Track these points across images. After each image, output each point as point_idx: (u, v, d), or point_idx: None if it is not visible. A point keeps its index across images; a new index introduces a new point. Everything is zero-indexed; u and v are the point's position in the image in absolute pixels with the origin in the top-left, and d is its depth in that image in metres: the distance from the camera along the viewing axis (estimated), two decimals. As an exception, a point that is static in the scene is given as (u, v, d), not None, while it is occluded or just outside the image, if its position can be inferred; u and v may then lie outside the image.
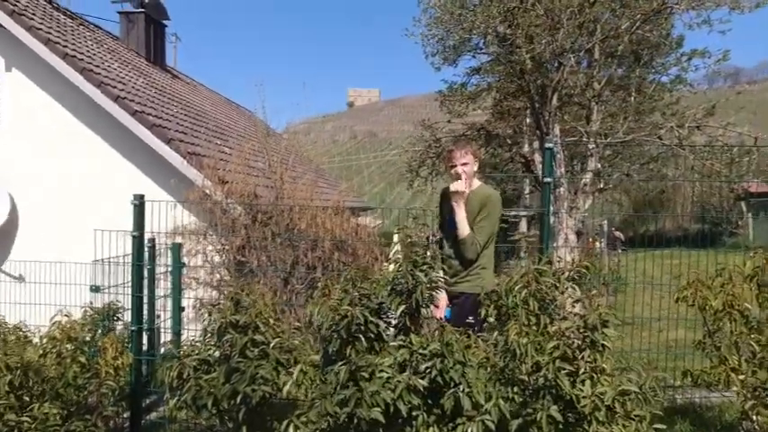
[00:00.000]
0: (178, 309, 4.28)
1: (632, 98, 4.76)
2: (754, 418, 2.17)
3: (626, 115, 4.76)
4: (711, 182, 5.38)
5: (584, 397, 1.95)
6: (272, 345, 2.61)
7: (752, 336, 2.23)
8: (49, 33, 7.09)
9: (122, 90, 7.19)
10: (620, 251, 11.67)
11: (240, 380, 2.43)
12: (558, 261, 3.79)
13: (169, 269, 4.28)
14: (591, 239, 12.87)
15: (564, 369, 2.05)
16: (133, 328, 3.37)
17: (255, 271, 6.24)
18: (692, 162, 5.00)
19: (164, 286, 5.06)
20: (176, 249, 4.28)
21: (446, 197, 3.05)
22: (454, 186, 2.90)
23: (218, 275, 6.49)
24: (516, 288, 2.25)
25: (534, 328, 2.27)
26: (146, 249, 4.38)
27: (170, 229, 5.98)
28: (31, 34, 6.88)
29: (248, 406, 2.52)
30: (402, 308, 2.25)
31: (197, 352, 2.55)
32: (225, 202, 6.37)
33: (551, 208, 4.33)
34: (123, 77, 7.90)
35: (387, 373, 2.13)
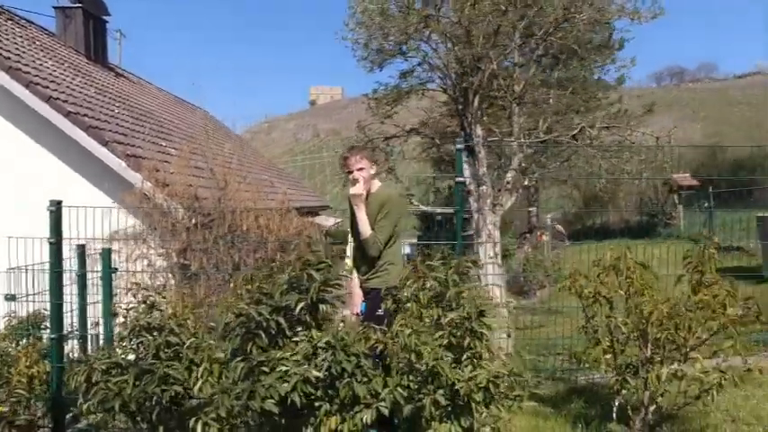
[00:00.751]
0: (109, 315, 4.24)
1: (550, 99, 5.06)
2: (622, 392, 2.42)
3: (545, 116, 5.05)
4: (616, 178, 5.78)
5: (458, 380, 2.13)
6: (186, 345, 2.68)
7: (619, 319, 2.49)
8: (-27, 31, 6.78)
9: (55, 90, 6.97)
10: (567, 243, 12.24)
11: (150, 381, 2.49)
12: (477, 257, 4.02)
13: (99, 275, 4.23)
14: (540, 233, 13.42)
15: (446, 357, 2.23)
16: (53, 336, 3.35)
17: (198, 273, 6.23)
18: (599, 161, 5.37)
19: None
20: (107, 255, 4.24)
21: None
22: (351, 190, 3.07)
23: (160, 279, 6.43)
24: (407, 283, 2.42)
25: (427, 320, 2.44)
26: (73, 256, 4.34)
27: (106, 234, 5.91)
28: (-48, 32, 6.56)
29: (161, 406, 2.59)
30: (301, 304, 2.37)
31: (107, 356, 2.59)
32: (164, 204, 6.31)
33: (474, 206, 4.55)
34: (57, 77, 7.65)
35: (286, 366, 2.25)
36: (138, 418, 2.60)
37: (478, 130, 4.56)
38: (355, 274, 3.17)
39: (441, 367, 2.16)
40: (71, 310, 4.27)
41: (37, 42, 8.80)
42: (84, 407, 2.61)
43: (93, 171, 6.80)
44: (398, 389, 2.31)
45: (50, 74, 7.57)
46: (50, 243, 3.36)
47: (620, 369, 2.41)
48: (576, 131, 4.67)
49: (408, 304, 2.41)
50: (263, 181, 11.85)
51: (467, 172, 4.62)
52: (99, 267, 4.54)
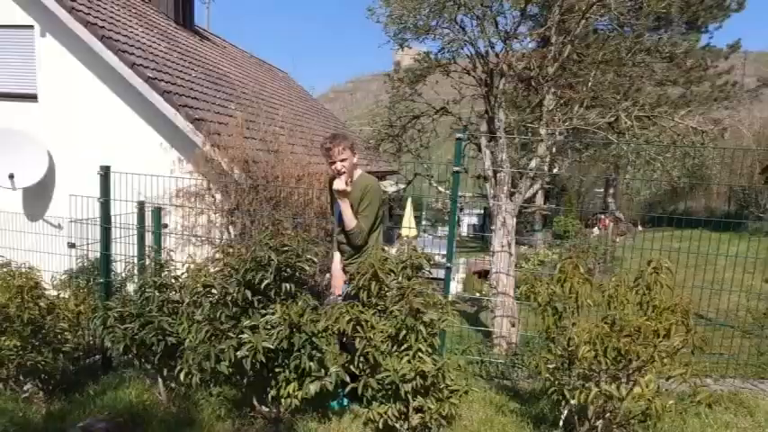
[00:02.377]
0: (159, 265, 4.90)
1: (590, 81, 4.53)
2: (554, 398, 2.39)
3: (582, 98, 4.58)
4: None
5: (388, 370, 2.27)
6: (185, 303, 3.09)
7: (563, 328, 2.40)
8: (74, 1, 7.66)
9: (140, 57, 7.74)
10: (639, 229, 11.32)
11: (149, 330, 2.95)
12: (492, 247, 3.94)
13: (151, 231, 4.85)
14: (604, 219, 12.51)
15: (382, 347, 2.37)
16: (101, 280, 4.00)
17: (245, 232, 6.83)
18: (629, 155, 4.76)
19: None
20: (157, 213, 4.83)
21: (332, 187, 3.32)
22: (335, 185, 3.16)
23: (217, 233, 7.16)
24: (361, 273, 2.56)
25: (378, 308, 2.58)
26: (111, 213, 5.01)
27: (173, 192, 6.67)
28: (59, 4, 7.47)
29: (161, 352, 3.05)
30: (266, 281, 2.63)
31: (121, 305, 3.09)
32: (220, 166, 6.91)
33: (490, 192, 4.45)
34: (144, 43, 8.44)
35: (245, 335, 2.55)
36: (143, 360, 3.10)
37: (501, 114, 4.34)
38: (338, 257, 3.33)
39: (372, 356, 2.31)
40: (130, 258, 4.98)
41: (131, 9, 9.71)
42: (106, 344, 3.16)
43: (168, 132, 7.59)
44: (341, 369, 2.52)
45: (138, 40, 8.38)
46: (100, 202, 3.94)
47: (557, 382, 2.36)
48: (608, 118, 4.18)
49: (361, 293, 2.56)
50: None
51: (487, 159, 4.49)
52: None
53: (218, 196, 6.79)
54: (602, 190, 12.85)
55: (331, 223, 3.51)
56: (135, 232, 4.87)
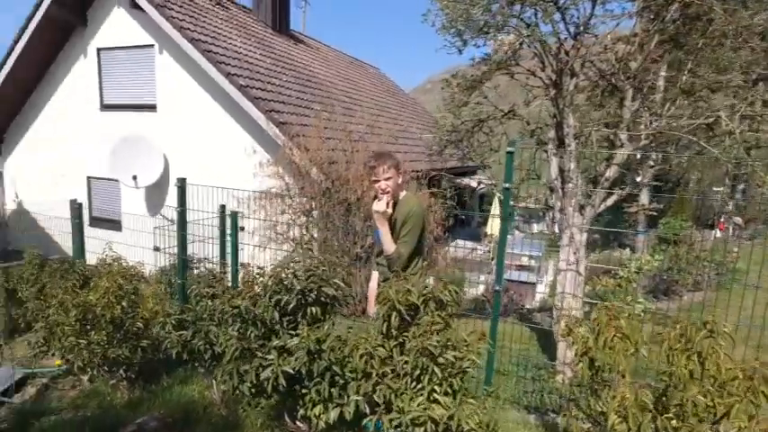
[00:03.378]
0: (235, 266, 5.28)
1: (684, 77, 3.69)
2: None
3: (674, 98, 3.76)
4: None
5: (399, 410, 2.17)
6: (228, 314, 3.27)
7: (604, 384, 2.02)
8: (183, 21, 8.51)
9: (235, 66, 8.38)
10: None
11: (198, 338, 3.19)
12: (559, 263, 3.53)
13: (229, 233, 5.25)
14: (724, 221, 10.62)
15: (395, 384, 2.26)
16: (179, 281, 4.44)
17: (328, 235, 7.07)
18: (729, 166, 3.76)
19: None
20: (234, 217, 5.19)
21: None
22: (375, 206, 3.02)
23: (296, 233, 7.52)
24: (381, 303, 2.46)
25: (399, 341, 2.48)
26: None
27: (255, 193, 7.14)
28: (171, 24, 8.36)
29: (211, 359, 3.29)
30: (292, 304, 2.67)
31: (179, 312, 3.39)
32: (300, 168, 7.21)
33: (557, 205, 4.02)
34: (240, 53, 9.10)
35: (270, 357, 2.62)
36: (196, 364, 3.36)
37: (571, 120, 3.81)
38: (375, 277, 3.26)
39: (384, 395, 2.22)
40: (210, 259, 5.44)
41: (233, 21, 10.52)
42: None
43: (258, 135, 8.14)
44: (359, 398, 2.47)
45: (235, 51, 9.06)
46: (177, 212, 4.35)
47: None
48: (706, 119, 3.37)
49: (380, 323, 2.47)
50: (414, 142, 12.19)
51: (554, 168, 4.01)
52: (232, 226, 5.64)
53: (296, 199, 7.11)
54: (722, 188, 10.95)
55: (373, 242, 3.44)
56: (218, 234, 5.31)
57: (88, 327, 3.67)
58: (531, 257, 9.49)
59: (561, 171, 3.84)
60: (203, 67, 8.21)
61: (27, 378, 4.57)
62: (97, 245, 4.90)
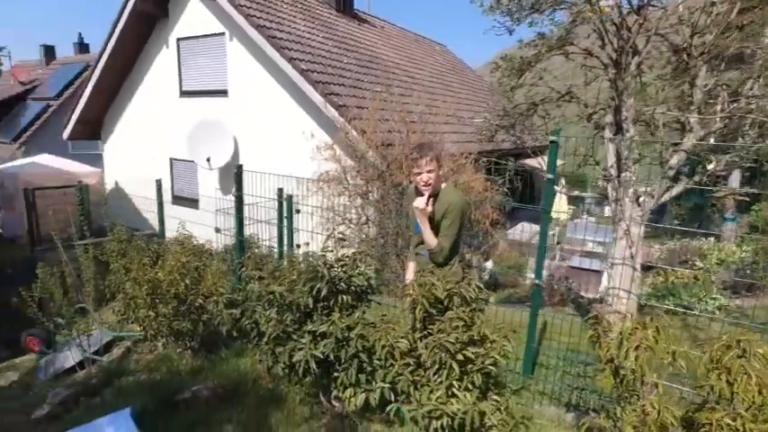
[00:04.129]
0: (291, 243, 5.57)
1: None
2: None
3: (758, 74, 3.17)
4: None
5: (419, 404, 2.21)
6: (276, 294, 3.48)
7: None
8: (250, 8, 8.84)
9: (297, 50, 8.60)
10: None
11: (246, 318, 3.43)
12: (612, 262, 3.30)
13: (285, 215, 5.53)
14: None
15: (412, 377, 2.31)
16: (237, 261, 4.76)
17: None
18: None
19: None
20: (289, 201, 5.45)
21: (411, 198, 3.18)
22: (416, 203, 3.02)
23: (353, 214, 7.70)
24: (407, 294, 2.49)
25: (423, 334, 2.51)
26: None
27: (315, 176, 7.38)
28: (238, 11, 8.72)
29: (251, 337, 3.53)
30: (324, 291, 2.78)
31: (229, 292, 3.66)
32: (355, 151, 7.32)
33: (612, 195, 3.75)
34: (303, 36, 9.31)
35: (302, 341, 2.78)
36: (245, 340, 3.63)
37: (630, 102, 3.44)
38: (411, 267, 3.28)
39: (403, 386, 2.28)
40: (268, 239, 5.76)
41: (298, 5, 10.73)
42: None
43: (318, 118, 8.35)
44: (385, 385, 2.55)
45: (298, 35, 9.28)
46: (235, 196, 4.64)
47: None
48: None
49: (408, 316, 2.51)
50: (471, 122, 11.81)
51: (610, 156, 3.67)
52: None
53: (351, 181, 7.25)
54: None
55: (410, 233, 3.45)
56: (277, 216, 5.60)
57: (157, 300, 4.09)
58: (599, 243, 8.96)
59: (618, 158, 3.56)
60: (268, 52, 8.51)
61: (114, 341, 5.22)
62: (177, 222, 5.38)
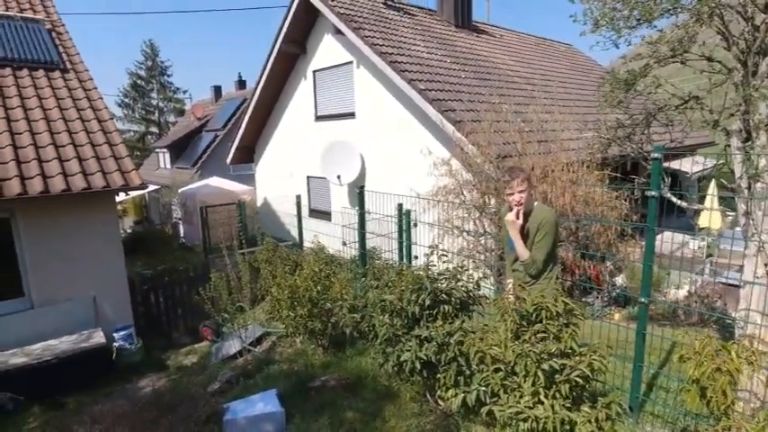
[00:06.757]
0: (409, 255, 6.03)
1: None
2: None
3: None
4: None
5: (506, 406, 2.43)
6: (387, 301, 3.96)
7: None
8: (374, 37, 9.68)
9: (416, 72, 9.16)
10: None
11: (365, 321, 3.96)
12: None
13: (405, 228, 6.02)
14: None
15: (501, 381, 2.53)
16: (359, 272, 5.38)
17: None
18: None
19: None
20: (407, 215, 5.94)
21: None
22: (508, 217, 3.26)
23: (470, 226, 7.90)
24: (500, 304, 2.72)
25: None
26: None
27: (432, 191, 7.78)
28: (364, 42, 9.62)
29: (369, 338, 4.04)
30: (428, 302, 3.13)
31: (353, 298, 4.22)
32: (469, 166, 7.53)
33: (741, 209, 3.45)
34: (422, 57, 9.84)
35: (409, 344, 3.17)
36: (365, 342, 4.15)
37: (762, 107, 3.01)
38: (510, 282, 3.43)
39: (492, 387, 2.52)
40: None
41: (418, 27, 11.34)
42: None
43: (437, 134, 8.77)
44: (481, 387, 2.81)
45: (418, 56, 9.84)
46: (359, 213, 5.27)
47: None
48: None
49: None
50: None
51: (737, 165, 3.28)
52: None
53: (468, 194, 7.47)
54: None
55: (499, 249, 3.64)
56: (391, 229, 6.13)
57: (295, 303, 4.88)
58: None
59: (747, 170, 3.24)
60: (389, 75, 9.22)
61: (263, 335, 6.25)
62: (313, 233, 6.25)
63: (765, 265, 3.30)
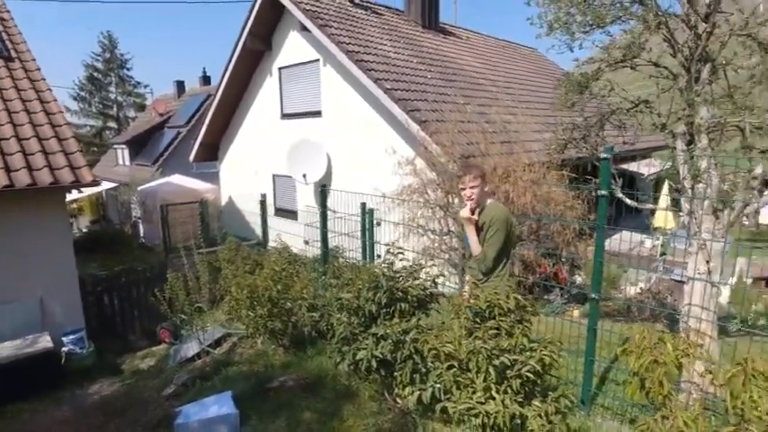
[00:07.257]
0: (372, 254, 6.02)
1: None
2: None
3: None
4: None
5: (456, 401, 2.45)
6: (344, 300, 3.92)
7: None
8: (340, 35, 9.62)
9: (382, 71, 9.16)
10: None
11: (323, 320, 3.92)
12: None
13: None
14: None
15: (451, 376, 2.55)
16: (321, 270, 5.33)
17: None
18: None
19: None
20: (370, 214, 5.92)
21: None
22: (461, 213, 3.29)
23: (435, 225, 7.96)
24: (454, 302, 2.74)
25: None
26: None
27: (396, 191, 7.79)
28: (330, 40, 9.54)
29: (328, 337, 4.00)
30: (384, 300, 3.13)
31: (312, 297, 4.17)
32: (431, 165, 7.59)
33: (686, 208, 3.61)
34: (389, 56, 9.85)
35: (366, 342, 3.16)
36: (325, 341, 4.11)
37: (703, 111, 3.20)
38: (468, 278, 3.47)
39: (446, 382, 2.54)
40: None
41: (385, 26, 11.34)
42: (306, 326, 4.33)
43: (403, 133, 8.79)
44: (436, 384, 2.82)
45: (384, 56, 9.85)
46: (320, 212, 5.22)
47: None
48: None
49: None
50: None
51: (682, 164, 3.47)
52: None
53: (432, 194, 7.53)
54: None
55: (462, 248, 3.68)
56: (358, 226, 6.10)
57: (255, 302, 4.78)
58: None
59: (691, 170, 3.40)
60: (355, 74, 9.18)
61: (224, 337, 6.10)
62: (277, 231, 6.14)
63: (707, 262, 3.45)
